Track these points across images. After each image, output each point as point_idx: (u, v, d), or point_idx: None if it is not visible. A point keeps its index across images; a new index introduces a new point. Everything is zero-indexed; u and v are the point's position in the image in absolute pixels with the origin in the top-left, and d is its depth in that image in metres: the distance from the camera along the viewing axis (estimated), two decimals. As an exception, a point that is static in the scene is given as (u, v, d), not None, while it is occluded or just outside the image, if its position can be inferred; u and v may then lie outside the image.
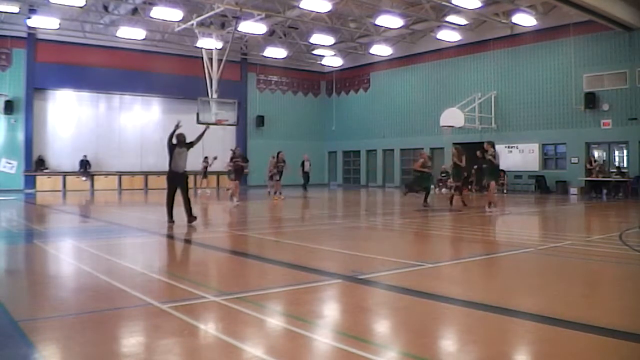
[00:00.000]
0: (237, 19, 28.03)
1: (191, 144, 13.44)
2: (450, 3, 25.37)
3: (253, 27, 29.05)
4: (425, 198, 18.86)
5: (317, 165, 33.27)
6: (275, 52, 35.21)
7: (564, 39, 28.07)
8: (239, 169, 21.02)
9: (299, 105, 40.67)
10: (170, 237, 11.50)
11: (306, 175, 28.02)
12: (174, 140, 13.18)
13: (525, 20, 27.71)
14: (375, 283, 6.69)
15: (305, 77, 41.22)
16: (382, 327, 5.20)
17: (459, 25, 30.19)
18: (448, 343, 4.75)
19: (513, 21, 28.25)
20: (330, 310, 5.78)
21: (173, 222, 12.97)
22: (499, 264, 8.53)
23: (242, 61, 37.47)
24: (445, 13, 28.85)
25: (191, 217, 13.00)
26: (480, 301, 5.88)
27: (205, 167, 26.89)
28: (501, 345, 4.58)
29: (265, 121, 38.25)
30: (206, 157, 27.03)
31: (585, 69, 27.49)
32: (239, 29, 28.96)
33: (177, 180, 13.17)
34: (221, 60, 29.58)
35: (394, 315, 5.55)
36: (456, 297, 6.08)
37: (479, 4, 25.61)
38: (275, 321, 5.16)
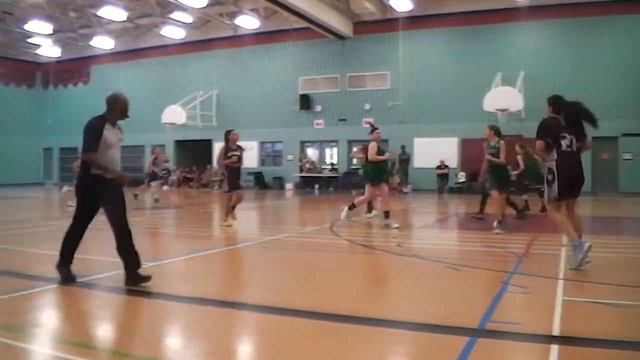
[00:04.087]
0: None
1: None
2: (176, 0, 25.42)
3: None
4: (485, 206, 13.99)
5: (31, 163, 30.68)
6: (-15, 38, 31.77)
7: (283, 42, 29.97)
8: (236, 171, 12.53)
9: (10, 97, 37.08)
10: None
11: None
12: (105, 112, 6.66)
13: (247, 22, 28.89)
14: (96, 285, 6.54)
15: (19, 67, 37.90)
16: (105, 330, 5.12)
17: (184, 22, 30.36)
18: (174, 340, 4.84)
19: (236, 23, 29.27)
20: (49, 318, 5.49)
21: (74, 277, 6.57)
22: (221, 259, 8.87)
23: (-53, 47, 33.17)
24: (171, 9, 28.80)
25: (145, 277, 6.42)
26: (204, 296, 6.09)
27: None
28: (226, 337, 4.83)
29: (-27, 114, 34.25)
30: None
31: (301, 72, 29.68)
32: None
33: (109, 194, 6.49)
34: None
35: (117, 317, 5.51)
36: (180, 294, 6.22)
37: (204, 3, 26.05)
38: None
